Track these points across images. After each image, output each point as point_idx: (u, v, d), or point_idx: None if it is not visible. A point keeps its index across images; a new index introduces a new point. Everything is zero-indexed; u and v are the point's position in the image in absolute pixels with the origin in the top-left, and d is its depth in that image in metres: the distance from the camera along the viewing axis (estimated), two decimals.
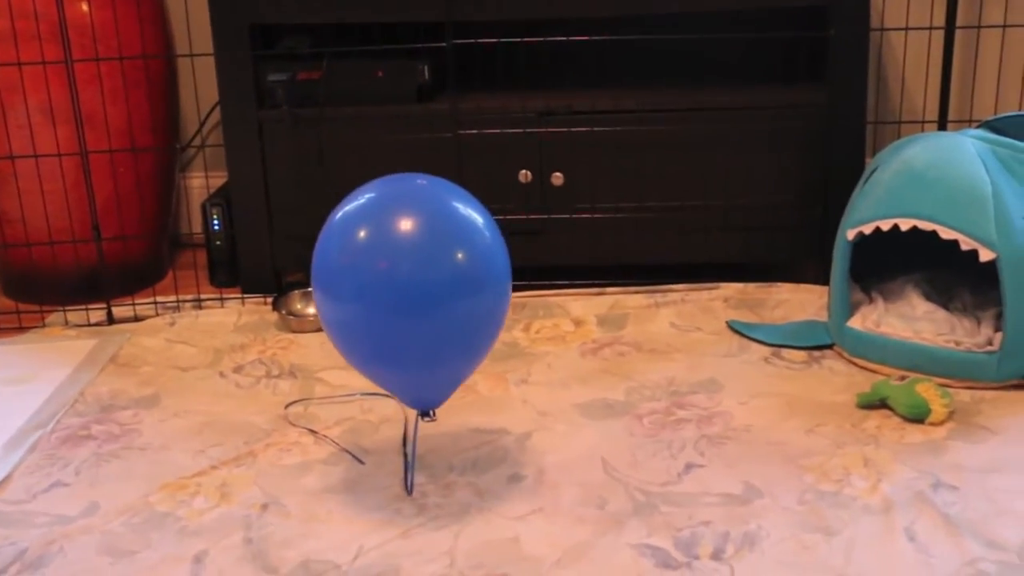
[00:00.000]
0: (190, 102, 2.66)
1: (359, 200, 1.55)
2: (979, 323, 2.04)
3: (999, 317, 1.99)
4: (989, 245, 1.91)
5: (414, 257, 1.49)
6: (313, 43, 2.44)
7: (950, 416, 1.85)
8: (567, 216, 2.43)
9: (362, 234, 1.51)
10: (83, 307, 2.40)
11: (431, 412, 1.63)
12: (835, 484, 1.69)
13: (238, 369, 2.15)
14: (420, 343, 1.51)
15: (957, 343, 2.00)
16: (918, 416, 1.85)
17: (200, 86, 2.55)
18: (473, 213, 1.56)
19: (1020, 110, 2.41)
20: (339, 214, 1.56)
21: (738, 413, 1.91)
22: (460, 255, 1.50)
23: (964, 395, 1.93)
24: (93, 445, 1.89)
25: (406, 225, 1.49)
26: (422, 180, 1.56)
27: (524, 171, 2.41)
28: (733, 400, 1.96)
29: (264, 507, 1.68)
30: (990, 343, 1.98)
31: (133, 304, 2.42)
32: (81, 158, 2.37)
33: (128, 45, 2.42)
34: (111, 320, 2.39)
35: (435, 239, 1.51)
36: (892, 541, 1.55)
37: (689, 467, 1.76)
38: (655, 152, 2.40)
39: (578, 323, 2.28)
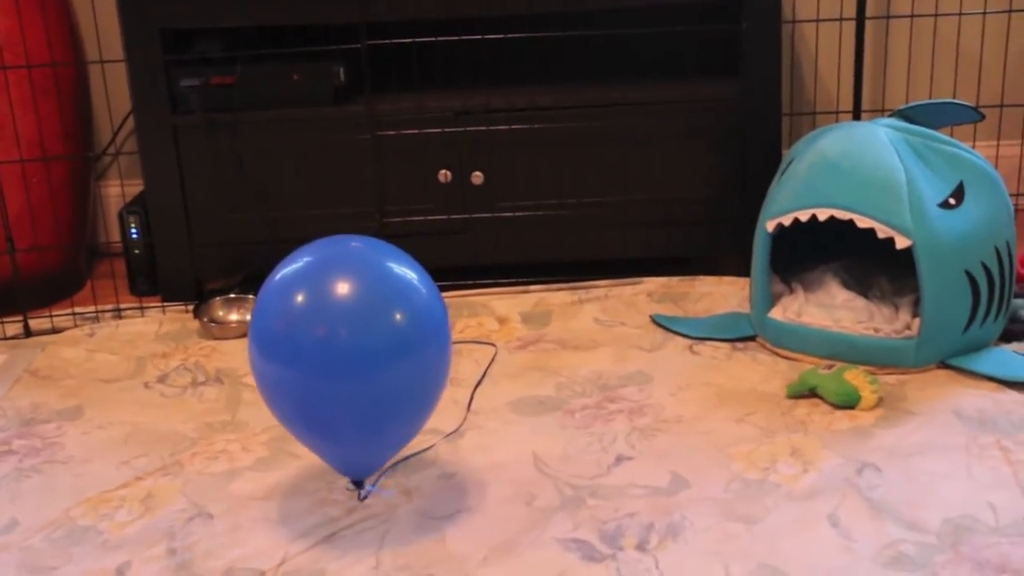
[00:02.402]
0: (103, 109, 2.63)
1: (295, 264, 1.53)
2: (897, 310, 2.08)
3: (916, 303, 2.03)
4: (905, 232, 1.94)
5: (351, 321, 1.47)
6: (226, 47, 2.42)
7: (880, 402, 1.88)
8: (488, 215, 2.44)
9: (299, 299, 1.49)
10: None
11: (363, 484, 1.61)
12: (761, 472, 1.72)
13: (162, 378, 2.13)
14: (359, 408, 1.49)
15: (876, 330, 2.03)
16: (848, 403, 1.88)
17: (112, 93, 2.52)
18: (408, 272, 1.54)
19: (930, 99, 2.46)
20: (276, 277, 1.54)
21: (668, 404, 1.93)
22: (398, 316, 1.49)
23: (890, 380, 1.96)
24: (14, 460, 1.87)
25: (342, 289, 1.48)
26: (356, 243, 1.55)
27: (444, 171, 2.41)
28: (663, 391, 1.98)
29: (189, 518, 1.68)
30: (908, 329, 2.02)
31: (51, 316, 2.39)
32: None
33: (36, 53, 2.39)
34: (28, 333, 2.36)
35: (372, 302, 1.49)
36: (815, 527, 1.58)
37: (619, 459, 1.77)
38: (574, 149, 2.41)
39: (503, 321, 2.29)
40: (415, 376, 1.50)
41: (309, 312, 1.47)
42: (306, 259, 1.52)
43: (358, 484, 1.57)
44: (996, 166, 2.08)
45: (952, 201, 1.98)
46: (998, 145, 2.53)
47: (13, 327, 2.37)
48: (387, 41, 2.36)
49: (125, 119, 2.63)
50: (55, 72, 2.45)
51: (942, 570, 1.48)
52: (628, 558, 1.53)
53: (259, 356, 1.51)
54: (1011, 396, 1.89)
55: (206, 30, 2.44)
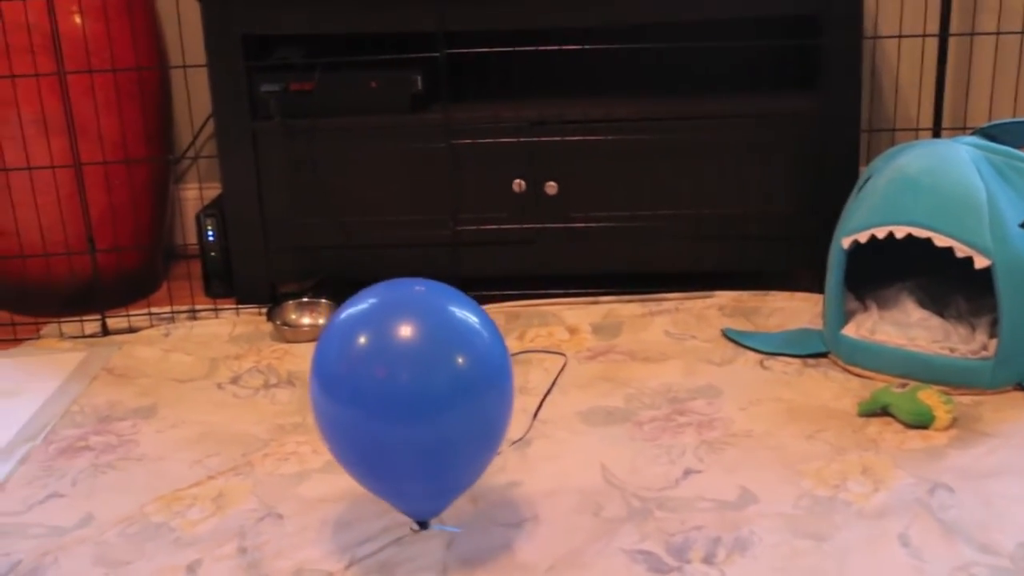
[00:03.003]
0: (184, 113, 2.68)
1: (359, 305, 1.53)
2: (974, 330, 2.06)
3: (994, 324, 2.00)
4: (984, 252, 1.92)
5: (412, 364, 1.46)
6: (306, 54, 2.45)
7: (954, 422, 1.87)
8: (561, 225, 2.45)
9: (361, 340, 1.48)
10: (78, 319, 2.42)
11: (428, 525, 1.59)
12: (831, 490, 1.71)
13: (235, 379, 2.16)
14: (420, 451, 1.48)
15: (952, 350, 2.01)
16: (922, 423, 1.86)
17: (193, 97, 2.57)
18: (471, 316, 1.52)
19: (1014, 117, 2.43)
20: (339, 318, 1.53)
21: (738, 419, 1.93)
22: (460, 360, 1.48)
23: (965, 400, 1.94)
24: (90, 456, 1.91)
25: (405, 332, 1.48)
26: (420, 287, 1.56)
27: (518, 180, 2.42)
28: (733, 406, 1.97)
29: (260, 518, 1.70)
30: (985, 349, 2.00)
31: (128, 315, 2.43)
32: (75, 170, 2.38)
33: (121, 57, 2.44)
34: (105, 331, 2.40)
35: (434, 345, 1.48)
36: (885, 546, 1.56)
37: (688, 472, 1.77)
38: (648, 161, 2.41)
39: (573, 331, 2.30)
40: (476, 419, 1.49)
41: (371, 354, 1.47)
42: (370, 301, 1.53)
43: (423, 525, 1.57)
44: None
45: None
46: None
47: (91, 326, 2.41)
48: (464, 50, 2.38)
49: (205, 123, 2.67)
50: (139, 76, 2.50)
51: None
52: (695, 571, 1.53)
53: (321, 396, 1.50)
54: None
55: (287, 37, 2.48)
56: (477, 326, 1.50)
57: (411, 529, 1.56)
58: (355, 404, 1.46)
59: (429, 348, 1.46)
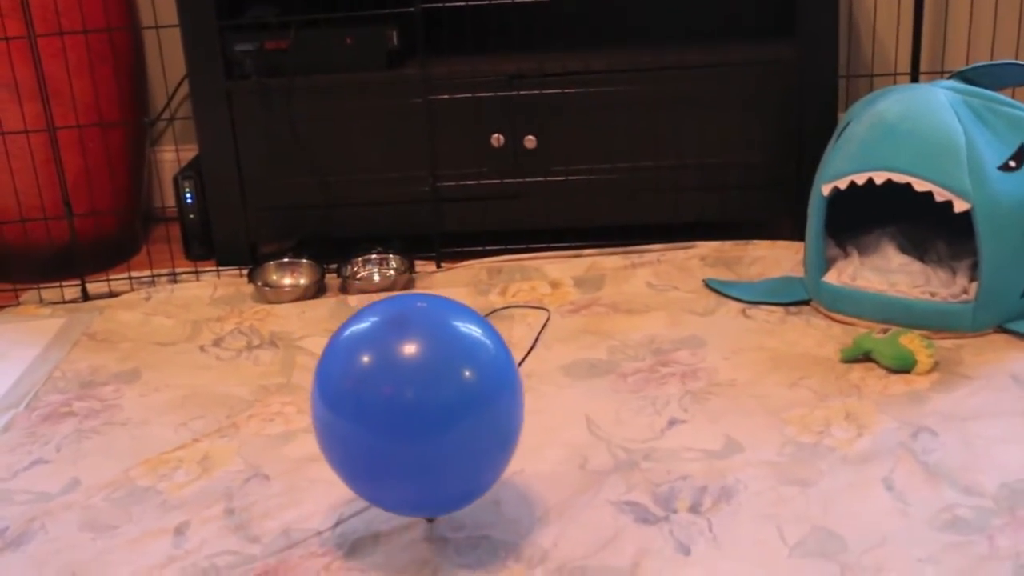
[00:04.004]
0: (158, 75, 2.66)
1: (361, 323, 1.50)
2: (954, 274, 2.07)
3: (974, 267, 2.01)
4: (963, 195, 1.93)
5: (417, 380, 1.43)
6: (280, 11, 2.43)
7: (935, 366, 1.88)
8: (541, 179, 2.44)
9: (365, 359, 1.45)
10: (57, 284, 2.41)
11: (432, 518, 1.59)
12: (815, 436, 1.72)
13: (217, 342, 2.16)
14: (426, 465, 1.45)
15: (932, 294, 2.02)
16: (904, 367, 1.87)
17: (167, 58, 2.55)
18: (475, 329, 1.50)
19: (992, 60, 2.43)
20: (343, 335, 1.50)
21: (721, 368, 1.94)
22: (466, 373, 1.45)
23: (946, 344, 1.95)
24: (74, 421, 1.90)
25: (409, 349, 1.45)
26: (422, 302, 1.54)
27: (497, 135, 2.42)
28: (716, 355, 1.98)
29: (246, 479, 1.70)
30: (965, 293, 2.01)
31: (108, 280, 2.42)
32: (49, 134, 2.36)
33: (92, 18, 2.42)
34: (86, 296, 2.39)
35: (439, 360, 1.45)
36: (869, 491, 1.58)
37: (672, 423, 1.78)
38: (627, 113, 2.41)
39: (555, 285, 2.30)
40: (486, 430, 1.46)
41: (375, 371, 1.44)
42: (372, 319, 1.51)
43: (431, 519, 1.57)
44: None
45: (1012, 164, 1.96)
46: None
47: (71, 291, 2.41)
48: (440, 4, 2.37)
49: (179, 84, 2.65)
50: (111, 37, 2.48)
51: (998, 533, 1.48)
52: (681, 520, 1.54)
53: (325, 410, 1.47)
54: None
55: None
56: (481, 338, 1.49)
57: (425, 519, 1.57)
58: (360, 421, 1.43)
59: (434, 363, 1.44)
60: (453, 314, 1.50)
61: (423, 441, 1.42)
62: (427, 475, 1.44)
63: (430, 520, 1.57)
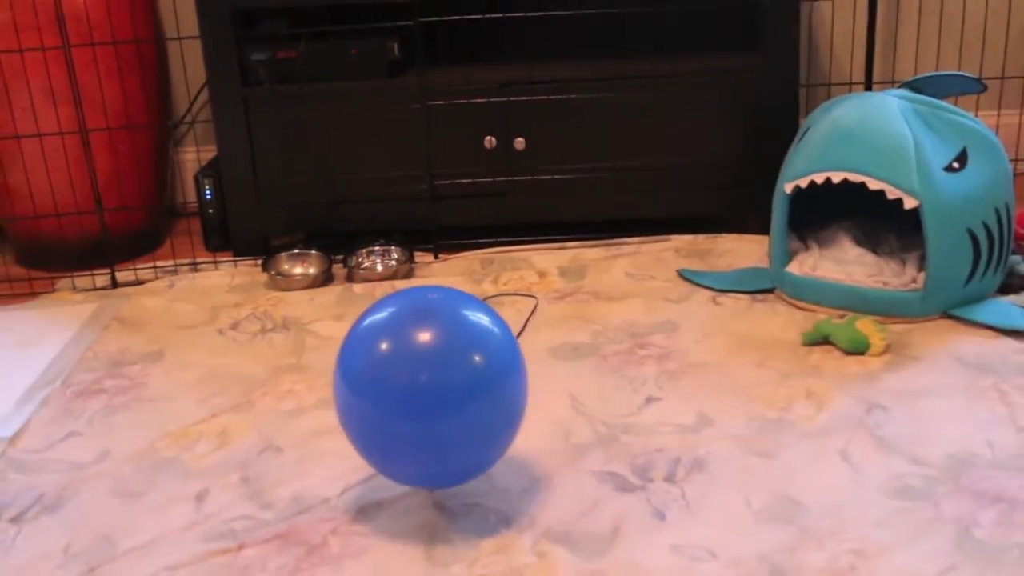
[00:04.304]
0: (180, 82, 2.64)
1: (379, 314, 1.48)
2: (904, 264, 2.06)
3: (922, 259, 2.01)
4: (912, 194, 1.92)
5: (432, 365, 1.42)
6: (291, 24, 2.42)
7: (887, 349, 1.87)
8: (529, 178, 2.43)
9: (384, 347, 1.44)
10: (89, 273, 2.40)
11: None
12: (779, 412, 1.71)
13: (234, 325, 2.15)
14: (440, 443, 1.44)
15: (885, 283, 2.02)
16: (859, 350, 1.87)
17: (189, 67, 2.53)
18: (483, 318, 1.48)
19: (937, 71, 2.43)
20: (363, 324, 1.48)
21: (693, 350, 1.93)
22: (477, 358, 1.44)
23: (897, 328, 1.95)
24: (105, 398, 1.89)
25: (424, 337, 1.44)
26: (434, 294, 1.53)
27: (489, 137, 2.41)
28: (689, 339, 1.97)
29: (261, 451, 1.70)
30: (914, 282, 2.01)
31: (135, 269, 2.41)
32: (81, 136, 2.35)
33: (121, 30, 2.40)
34: (115, 284, 2.38)
35: (452, 347, 1.44)
36: (827, 461, 1.57)
37: (649, 400, 1.77)
38: (608, 117, 2.40)
39: (542, 275, 2.29)
40: (493, 412, 1.45)
41: (392, 357, 1.43)
42: (390, 309, 1.50)
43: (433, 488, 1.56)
44: (997, 133, 2.05)
45: (956, 165, 1.96)
46: (999, 114, 2.50)
47: (102, 279, 2.39)
48: (437, 19, 2.35)
49: (200, 91, 2.64)
50: (138, 48, 2.46)
51: (943, 500, 1.47)
52: (657, 489, 1.54)
53: (346, 392, 1.46)
54: (1007, 343, 1.88)
55: (273, 9, 2.44)
56: (489, 325, 1.48)
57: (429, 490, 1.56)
58: (378, 402, 1.42)
59: (447, 350, 1.43)
60: (464, 304, 1.49)
61: (435, 421, 1.41)
62: (438, 452, 1.44)
63: (431, 489, 1.56)
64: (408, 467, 1.47)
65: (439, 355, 1.43)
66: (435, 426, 1.42)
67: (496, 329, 1.48)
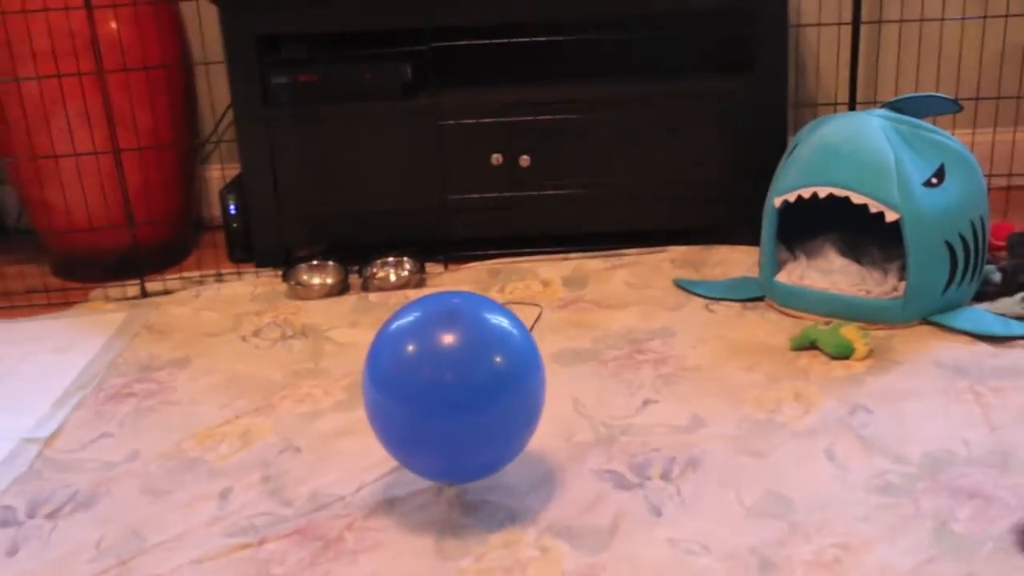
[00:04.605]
0: (207, 104, 2.65)
1: (406, 318, 1.49)
2: (886, 274, 2.06)
3: (903, 269, 2.00)
4: (893, 208, 1.92)
5: (454, 365, 1.43)
6: (311, 49, 2.43)
7: (870, 353, 1.87)
8: (535, 193, 2.43)
9: (410, 348, 1.44)
10: (120, 283, 2.40)
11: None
12: (768, 413, 1.71)
13: (256, 332, 2.15)
14: (462, 439, 1.45)
15: (868, 292, 2.02)
16: (843, 354, 1.87)
17: (215, 90, 2.54)
18: (504, 321, 1.49)
19: (916, 92, 2.42)
20: (391, 328, 1.48)
21: (688, 355, 1.92)
22: (498, 359, 1.44)
23: (879, 334, 1.94)
24: (134, 401, 1.89)
25: (448, 339, 1.44)
26: (456, 299, 1.53)
27: (496, 155, 2.41)
28: (684, 344, 1.97)
29: (282, 451, 1.70)
30: (895, 290, 2.00)
31: (163, 279, 2.41)
32: (114, 155, 2.35)
33: (151, 56, 2.41)
34: (144, 294, 2.38)
35: (474, 348, 1.45)
36: (814, 460, 1.57)
37: (646, 402, 1.77)
38: (609, 135, 2.40)
39: (546, 284, 2.29)
40: (513, 410, 1.46)
41: (418, 358, 1.43)
42: (415, 313, 1.48)
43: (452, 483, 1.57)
44: (972, 151, 2.05)
45: (934, 180, 1.96)
46: (974, 132, 2.50)
47: (132, 289, 2.39)
48: (449, 43, 2.36)
49: (225, 112, 2.64)
50: (167, 73, 2.47)
51: (922, 496, 1.47)
52: (654, 486, 1.53)
53: (375, 392, 1.46)
54: (982, 348, 1.87)
55: (294, 35, 2.45)
56: (509, 327, 1.48)
57: (448, 485, 1.56)
58: (406, 400, 1.43)
59: (470, 351, 1.44)
60: (485, 308, 1.49)
61: (458, 419, 1.41)
62: (460, 448, 1.44)
63: (451, 484, 1.56)
64: (431, 462, 1.47)
65: (463, 355, 1.43)
66: (458, 423, 1.42)
67: (516, 331, 1.48)
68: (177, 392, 1.92)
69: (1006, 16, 2.40)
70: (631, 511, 1.48)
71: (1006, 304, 1.98)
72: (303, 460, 1.67)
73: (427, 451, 1.46)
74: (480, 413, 1.42)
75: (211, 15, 2.42)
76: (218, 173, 2.80)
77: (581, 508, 1.50)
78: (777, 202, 2.06)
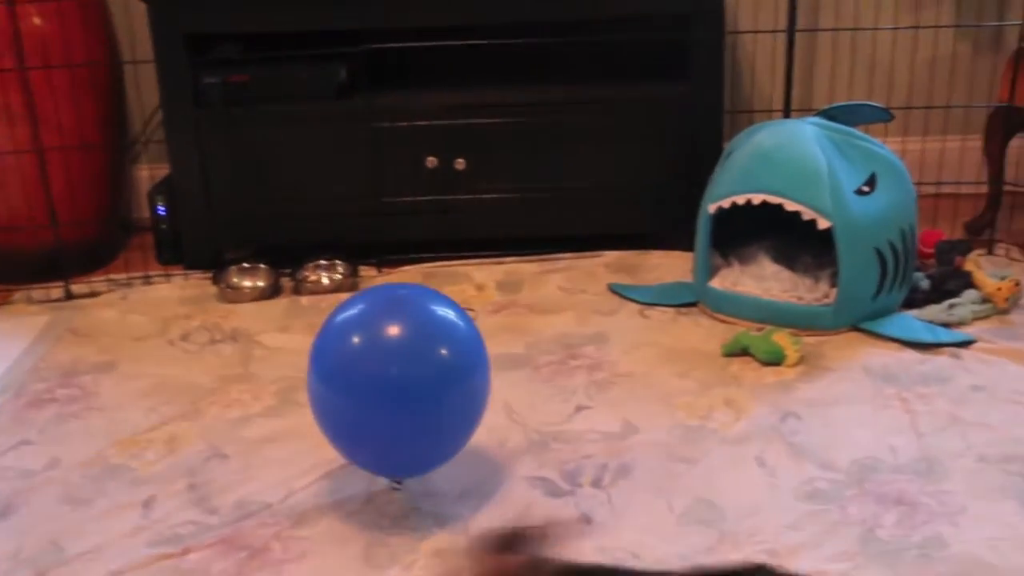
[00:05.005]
0: (136, 103, 2.60)
1: (351, 309, 1.48)
2: (817, 281, 2.08)
3: (834, 275, 2.03)
4: (825, 215, 1.94)
5: (403, 358, 1.43)
6: (243, 49, 2.40)
7: (801, 360, 1.89)
8: (469, 196, 2.42)
9: (355, 340, 1.45)
10: (44, 286, 2.35)
11: (400, 480, 1.57)
12: (700, 420, 1.72)
13: (184, 336, 2.12)
14: (409, 431, 1.45)
15: (799, 298, 2.04)
16: (775, 360, 1.88)
17: (143, 89, 2.50)
18: (450, 313, 1.49)
19: (849, 100, 2.45)
20: (335, 320, 1.48)
21: (622, 361, 1.93)
22: (443, 351, 1.45)
23: (810, 340, 1.96)
24: (56, 407, 1.86)
25: (393, 330, 1.44)
26: (403, 290, 1.52)
27: (431, 158, 2.40)
28: (617, 350, 1.97)
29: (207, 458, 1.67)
30: (827, 297, 2.03)
31: (89, 281, 2.37)
32: (38, 155, 2.30)
33: (76, 53, 2.36)
34: (69, 296, 2.34)
35: (420, 339, 1.45)
36: (744, 467, 1.59)
37: (579, 409, 1.77)
38: (544, 139, 2.40)
39: (480, 288, 2.29)
40: (459, 402, 1.46)
41: (364, 351, 1.43)
42: (360, 305, 1.48)
43: (398, 481, 1.56)
44: (902, 159, 2.08)
45: (866, 189, 1.99)
46: (904, 140, 2.54)
47: (56, 291, 2.35)
48: (384, 45, 2.34)
49: (154, 112, 2.60)
50: (93, 71, 2.42)
51: (849, 503, 1.49)
52: (585, 494, 1.54)
53: (319, 385, 1.45)
54: (910, 355, 1.90)
55: (225, 35, 2.42)
56: (456, 320, 1.47)
57: (390, 486, 1.55)
58: (351, 394, 1.42)
59: (415, 343, 1.43)
60: (431, 300, 1.49)
61: (404, 412, 1.41)
62: (406, 441, 1.43)
63: (398, 482, 1.55)
64: (375, 456, 1.47)
65: (408, 348, 1.43)
66: (404, 416, 1.41)
67: (462, 323, 1.47)
68: (101, 398, 1.89)
69: (936, 27, 2.45)
70: (561, 518, 1.48)
71: (933, 311, 2.02)
72: (230, 467, 1.64)
73: (372, 445, 1.45)
74: (426, 406, 1.42)
75: (140, 12, 2.38)
76: (147, 173, 2.75)
77: (512, 516, 1.49)
78: (712, 208, 2.07)
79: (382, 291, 1.51)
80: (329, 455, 1.64)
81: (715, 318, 2.09)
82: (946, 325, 1.99)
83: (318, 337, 1.48)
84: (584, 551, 1.41)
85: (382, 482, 1.57)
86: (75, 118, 2.39)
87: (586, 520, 1.48)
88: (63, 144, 2.36)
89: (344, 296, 2.24)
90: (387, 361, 1.42)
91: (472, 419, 1.49)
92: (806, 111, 2.58)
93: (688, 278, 2.24)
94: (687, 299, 2.16)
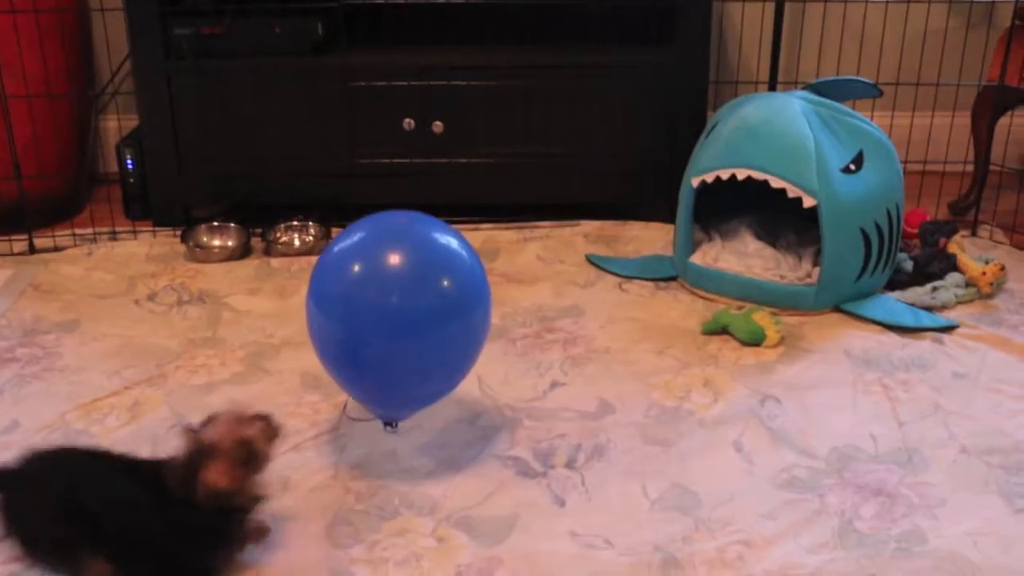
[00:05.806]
0: (104, 52, 2.53)
1: (351, 237, 1.45)
2: (800, 259, 2.06)
3: (818, 254, 2.00)
4: (811, 193, 1.91)
5: (403, 287, 1.40)
6: (217, 0, 2.32)
7: (782, 340, 1.86)
8: (446, 160, 2.38)
9: (356, 268, 1.42)
10: (6, 238, 2.29)
11: (395, 423, 1.55)
12: (677, 400, 1.69)
13: (151, 296, 2.07)
14: (407, 365, 1.42)
15: (782, 277, 2.01)
16: (755, 341, 1.86)
17: (112, 38, 2.42)
18: (452, 241, 1.46)
19: (837, 74, 2.41)
20: (334, 248, 1.45)
21: (598, 336, 1.90)
22: (445, 282, 1.42)
23: (792, 320, 1.94)
24: (16, 367, 1.81)
25: (394, 259, 1.41)
26: (404, 218, 1.48)
27: (408, 119, 2.34)
28: (594, 324, 1.94)
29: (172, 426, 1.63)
30: (809, 276, 2.00)
31: (53, 236, 2.31)
32: (1, 103, 2.23)
33: None
34: (32, 250, 2.28)
35: (421, 269, 1.42)
36: (722, 452, 1.56)
37: (554, 385, 1.74)
38: (524, 104, 2.35)
39: None
40: (459, 335, 1.43)
41: (364, 279, 1.40)
42: (360, 233, 1.45)
43: (389, 423, 1.53)
44: (890, 135, 2.05)
45: (853, 167, 1.95)
46: (892, 116, 2.50)
47: (19, 244, 2.29)
48: (361, 1, 2.28)
49: (123, 62, 2.52)
50: (60, 17, 2.34)
51: (828, 492, 1.47)
52: (558, 475, 1.51)
53: (318, 314, 1.43)
54: (892, 339, 1.88)
55: None
56: (458, 249, 1.45)
57: (385, 429, 1.54)
58: (350, 323, 1.40)
59: (417, 272, 1.41)
60: (433, 228, 1.47)
61: (403, 341, 1.38)
62: (404, 374, 1.42)
63: (392, 426, 1.53)
64: (371, 388, 1.45)
65: (409, 277, 1.40)
66: (403, 346, 1.39)
67: (465, 253, 1.45)
68: (63, 358, 1.84)
69: (928, 1, 2.40)
70: (533, 501, 1.45)
71: (916, 294, 2.00)
72: None
73: (369, 377, 1.43)
74: (426, 337, 1.39)
75: None
76: (115, 124, 2.68)
77: (481, 496, 1.46)
78: (695, 182, 2.03)
79: (382, 219, 1.48)
80: (298, 425, 1.60)
81: (695, 294, 2.06)
82: (929, 309, 1.96)
83: (316, 266, 1.46)
84: (556, 534, 1.38)
85: (349, 457, 1.54)
86: (40, 66, 2.32)
87: (559, 503, 1.45)
88: (28, 92, 2.29)
89: (315, 259, 2.22)
90: (387, 290, 1.39)
91: (471, 355, 1.48)
92: (793, 84, 2.55)
93: (668, 251, 2.21)
94: (666, 273, 2.13)
